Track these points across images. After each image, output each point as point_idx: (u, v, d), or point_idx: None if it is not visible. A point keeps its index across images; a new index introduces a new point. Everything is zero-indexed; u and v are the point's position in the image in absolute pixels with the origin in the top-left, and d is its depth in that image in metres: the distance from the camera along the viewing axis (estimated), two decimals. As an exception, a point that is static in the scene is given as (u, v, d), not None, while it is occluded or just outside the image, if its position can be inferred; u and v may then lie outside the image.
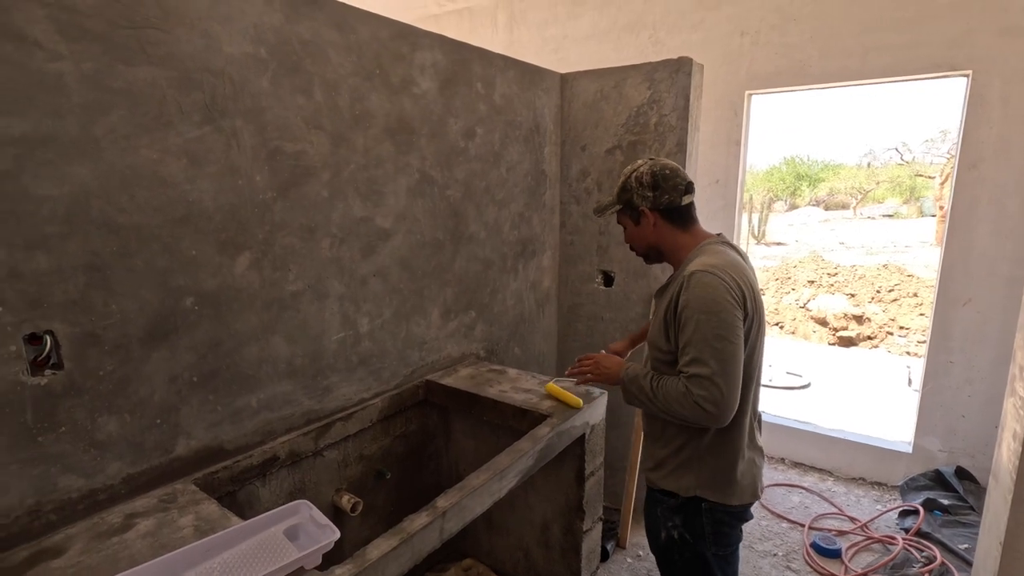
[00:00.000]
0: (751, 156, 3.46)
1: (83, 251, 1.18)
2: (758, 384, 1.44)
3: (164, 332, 1.34)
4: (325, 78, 1.61)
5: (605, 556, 2.54)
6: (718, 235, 1.50)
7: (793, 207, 29.50)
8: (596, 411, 1.94)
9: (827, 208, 29.24)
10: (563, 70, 2.71)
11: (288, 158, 1.55)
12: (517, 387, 2.04)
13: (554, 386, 1.94)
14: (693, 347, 1.26)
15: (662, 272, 2.61)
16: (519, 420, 1.88)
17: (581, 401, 1.87)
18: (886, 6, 2.81)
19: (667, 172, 1.43)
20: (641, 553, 2.63)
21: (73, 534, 1.18)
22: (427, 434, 2.20)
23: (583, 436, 1.89)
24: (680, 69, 2.41)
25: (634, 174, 1.46)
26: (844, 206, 29.00)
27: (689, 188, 1.45)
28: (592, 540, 2.06)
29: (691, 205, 1.48)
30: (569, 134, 2.75)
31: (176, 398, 1.38)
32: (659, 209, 1.44)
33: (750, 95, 3.30)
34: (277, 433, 1.63)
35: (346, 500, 1.77)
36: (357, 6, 1.68)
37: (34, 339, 1.14)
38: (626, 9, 3.57)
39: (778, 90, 3.21)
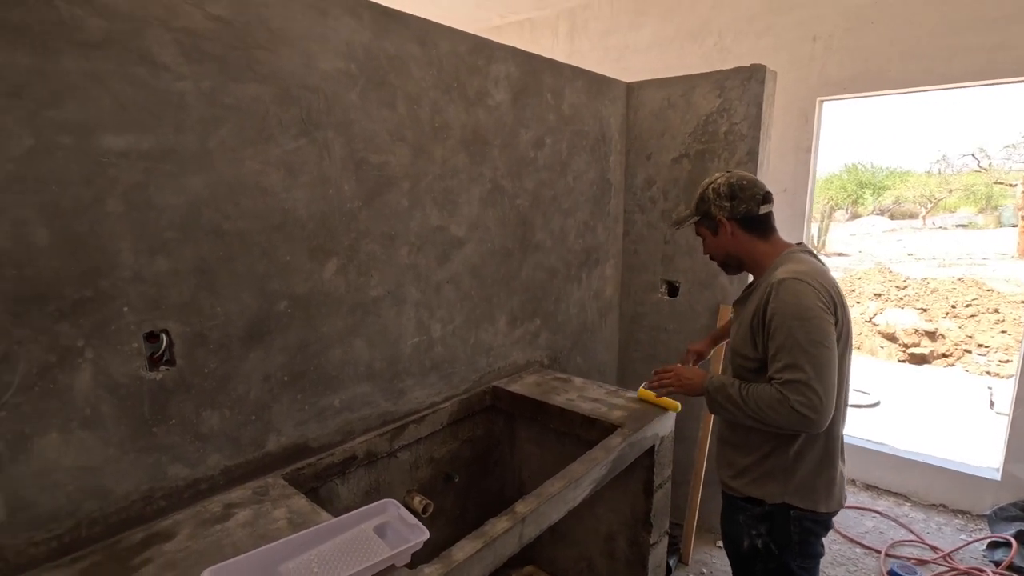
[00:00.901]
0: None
1: (194, 256, 1.27)
2: (846, 397, 1.41)
3: (260, 333, 1.42)
4: (407, 91, 1.68)
5: (668, 572, 2.49)
6: (799, 244, 1.49)
7: (855, 216, 28.15)
8: (666, 423, 1.91)
9: (893, 217, 27.75)
10: (625, 79, 2.70)
11: (373, 168, 1.61)
12: (584, 396, 2.04)
13: (647, 392, 1.94)
14: (786, 353, 1.27)
15: (730, 283, 2.55)
16: (587, 429, 1.88)
17: (679, 405, 1.90)
18: (974, 6, 2.67)
19: (744, 183, 1.46)
20: (704, 571, 2.56)
21: (180, 520, 1.26)
22: (493, 439, 2.23)
23: (652, 447, 1.86)
24: (752, 77, 2.37)
25: (711, 186, 1.49)
26: (912, 215, 27.45)
27: (767, 198, 1.47)
28: (658, 554, 2.03)
29: (769, 215, 1.50)
30: (634, 143, 2.74)
31: (269, 396, 1.46)
32: (736, 219, 1.47)
33: (821, 101, 3.20)
34: (356, 433, 1.69)
35: (417, 501, 1.81)
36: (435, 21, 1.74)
37: (151, 337, 1.23)
38: (691, 17, 3.53)
39: (853, 96, 3.09)
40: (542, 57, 2.16)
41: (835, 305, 1.31)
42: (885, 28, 2.91)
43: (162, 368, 1.25)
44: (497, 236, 2.08)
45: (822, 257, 1.51)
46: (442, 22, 1.81)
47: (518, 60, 2.05)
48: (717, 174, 1.52)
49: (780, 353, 1.28)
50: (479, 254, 2.02)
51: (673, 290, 2.76)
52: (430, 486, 1.97)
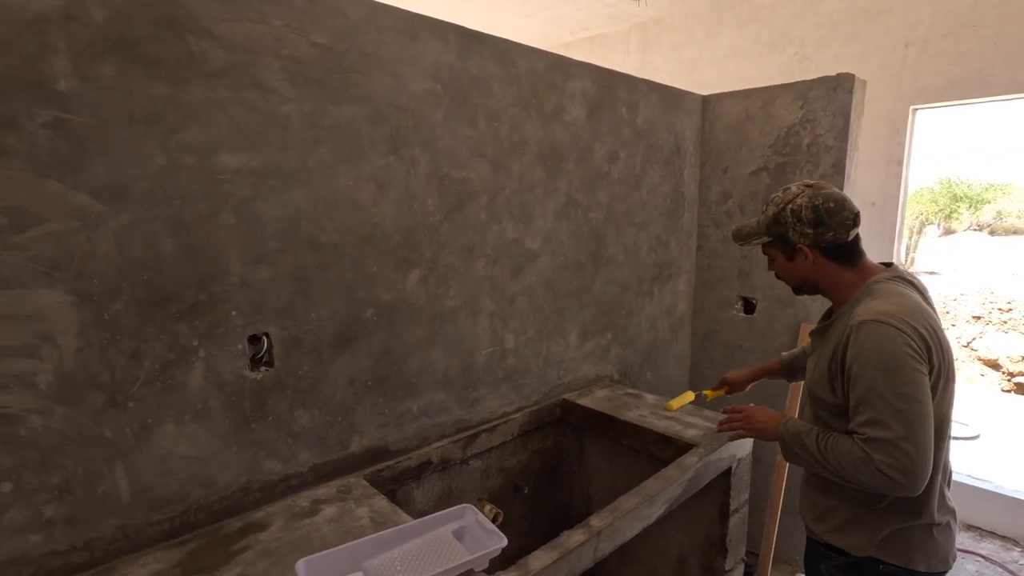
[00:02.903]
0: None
1: (293, 265, 1.37)
2: (949, 440, 1.26)
3: (348, 339, 1.49)
4: (488, 109, 1.73)
5: (742, 602, 2.37)
6: (889, 266, 1.31)
7: (948, 232, 26.00)
8: (743, 444, 1.85)
9: (993, 233, 25.40)
10: (698, 91, 2.66)
11: (454, 183, 1.67)
12: (657, 413, 2.00)
13: (676, 403, 1.93)
14: (870, 407, 1.12)
15: (811, 301, 2.43)
16: (661, 447, 1.84)
17: (692, 394, 1.93)
18: (1097, 3, 2.44)
19: (831, 205, 1.24)
20: (782, 605, 2.42)
21: (273, 512, 1.35)
22: (562, 452, 2.23)
23: (729, 469, 1.80)
24: (839, 86, 2.27)
25: (789, 206, 1.28)
26: (1016, 231, 25.02)
27: (856, 220, 1.26)
28: (734, 582, 1.94)
29: (857, 238, 1.30)
30: (710, 156, 2.68)
31: (353, 399, 1.53)
32: (820, 247, 1.28)
33: (915, 110, 3.01)
34: (431, 439, 1.74)
35: (488, 509, 1.83)
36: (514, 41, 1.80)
37: (254, 339, 1.33)
38: (770, 25, 3.44)
39: (950, 104, 2.90)
40: (618, 72, 2.17)
41: (928, 348, 1.14)
42: (989, 31, 2.71)
43: (262, 368, 1.34)
44: (570, 249, 2.10)
45: (919, 278, 1.33)
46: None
47: (594, 76, 2.07)
48: (796, 189, 1.30)
49: (863, 406, 1.13)
50: (552, 267, 2.04)
51: (749, 307, 2.66)
52: (499, 495, 1.99)
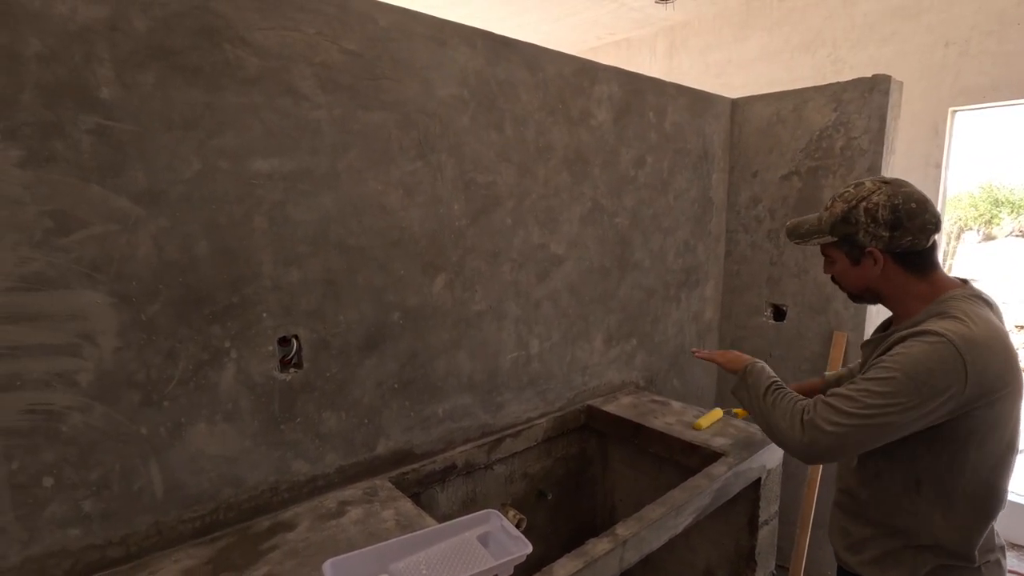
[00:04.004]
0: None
1: (322, 268, 1.39)
2: (1011, 468, 1.14)
3: (375, 342, 1.51)
4: (515, 114, 1.74)
5: (771, 617, 2.31)
6: (963, 281, 1.17)
7: (988, 238, 25.07)
8: (773, 454, 1.80)
9: (1038, 239, 24.38)
10: (726, 94, 2.62)
11: (480, 188, 1.68)
12: (683, 420, 1.97)
13: (708, 417, 1.89)
14: (855, 385, 1.07)
15: (844, 309, 2.37)
16: (688, 456, 1.81)
17: (720, 411, 1.90)
18: None
19: (912, 206, 1.10)
20: (813, 621, 2.35)
21: (300, 512, 1.36)
22: (586, 459, 2.21)
23: (759, 480, 1.76)
24: (875, 88, 2.21)
25: (863, 204, 1.13)
26: (1062, 238, 23.97)
27: (938, 226, 1.12)
28: (763, 596, 1.90)
29: (934, 246, 1.16)
30: (739, 160, 2.64)
31: (380, 402, 1.54)
32: (893, 252, 1.14)
33: (954, 112, 2.92)
34: (456, 443, 1.74)
35: (512, 515, 1.82)
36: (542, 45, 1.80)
37: (283, 341, 1.35)
38: (801, 27, 3.37)
39: (993, 105, 2.79)
40: (645, 76, 2.15)
41: (992, 388, 1.02)
42: (1035, 29, 2.61)
43: (291, 370, 1.36)
44: (596, 254, 2.08)
45: (989, 295, 1.17)
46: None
47: (621, 80, 2.05)
48: (871, 185, 1.14)
49: (852, 384, 1.08)
50: (578, 272, 2.03)
51: (779, 314, 2.60)
52: (523, 501, 1.98)
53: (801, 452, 1.13)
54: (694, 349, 1.64)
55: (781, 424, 1.16)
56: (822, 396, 1.13)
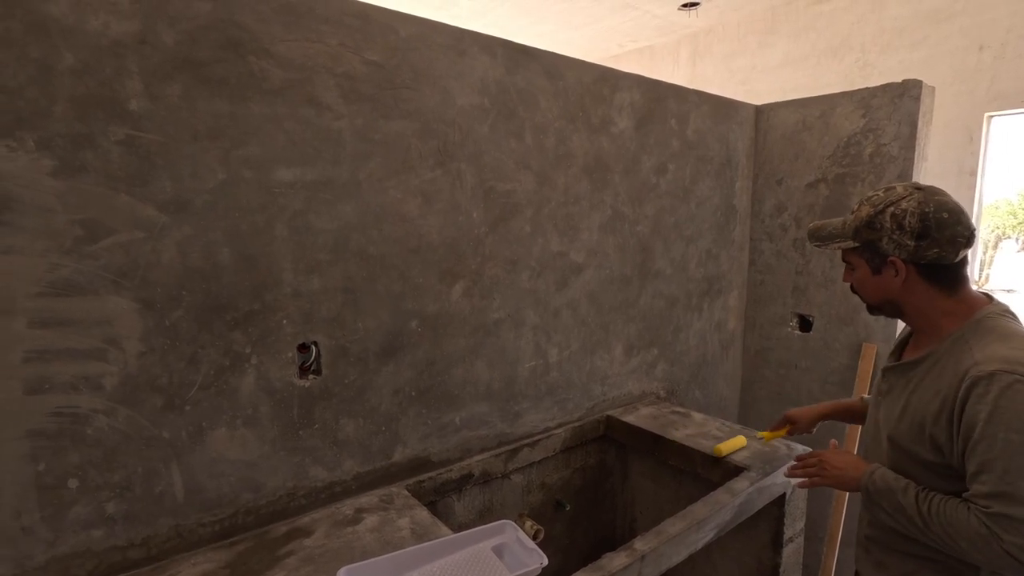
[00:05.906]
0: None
1: (342, 276, 1.40)
2: None
3: (393, 349, 1.51)
4: (535, 122, 1.73)
5: (796, 638, 2.23)
6: (988, 298, 1.11)
7: (1028, 247, 24.14)
8: (799, 470, 1.75)
9: (1082, 249, 23.40)
10: (750, 101, 2.58)
11: (500, 196, 1.68)
12: (705, 433, 1.93)
13: (726, 447, 1.77)
14: (999, 477, 0.95)
15: (875, 319, 2.30)
16: (709, 469, 1.77)
17: (744, 439, 1.81)
18: None
19: (944, 216, 1.03)
20: (841, 643, 2.27)
21: (317, 518, 1.37)
22: (605, 470, 2.18)
23: (783, 495, 1.71)
24: (905, 93, 2.15)
25: (890, 209, 1.07)
26: (1108, 247, 22.97)
27: (970, 240, 1.05)
28: (788, 616, 1.84)
29: (964, 261, 1.09)
30: (763, 167, 2.59)
31: (397, 409, 1.55)
32: (918, 263, 1.08)
33: (990, 117, 2.83)
34: (473, 451, 1.73)
35: (529, 526, 1.81)
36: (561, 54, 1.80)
37: (303, 348, 1.36)
38: (828, 33, 3.31)
39: (1032, 110, 2.70)
40: (667, 83, 2.13)
41: None
42: (1076, 31, 2.52)
43: (310, 376, 1.37)
44: (616, 262, 2.06)
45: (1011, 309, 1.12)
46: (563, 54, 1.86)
47: (642, 87, 2.04)
48: (902, 190, 1.08)
49: (987, 475, 0.96)
50: (597, 280, 2.01)
51: (805, 324, 2.54)
52: (541, 512, 1.96)
53: (1010, 564, 0.97)
54: (792, 470, 1.33)
55: (983, 560, 1.00)
56: (982, 509, 0.97)
